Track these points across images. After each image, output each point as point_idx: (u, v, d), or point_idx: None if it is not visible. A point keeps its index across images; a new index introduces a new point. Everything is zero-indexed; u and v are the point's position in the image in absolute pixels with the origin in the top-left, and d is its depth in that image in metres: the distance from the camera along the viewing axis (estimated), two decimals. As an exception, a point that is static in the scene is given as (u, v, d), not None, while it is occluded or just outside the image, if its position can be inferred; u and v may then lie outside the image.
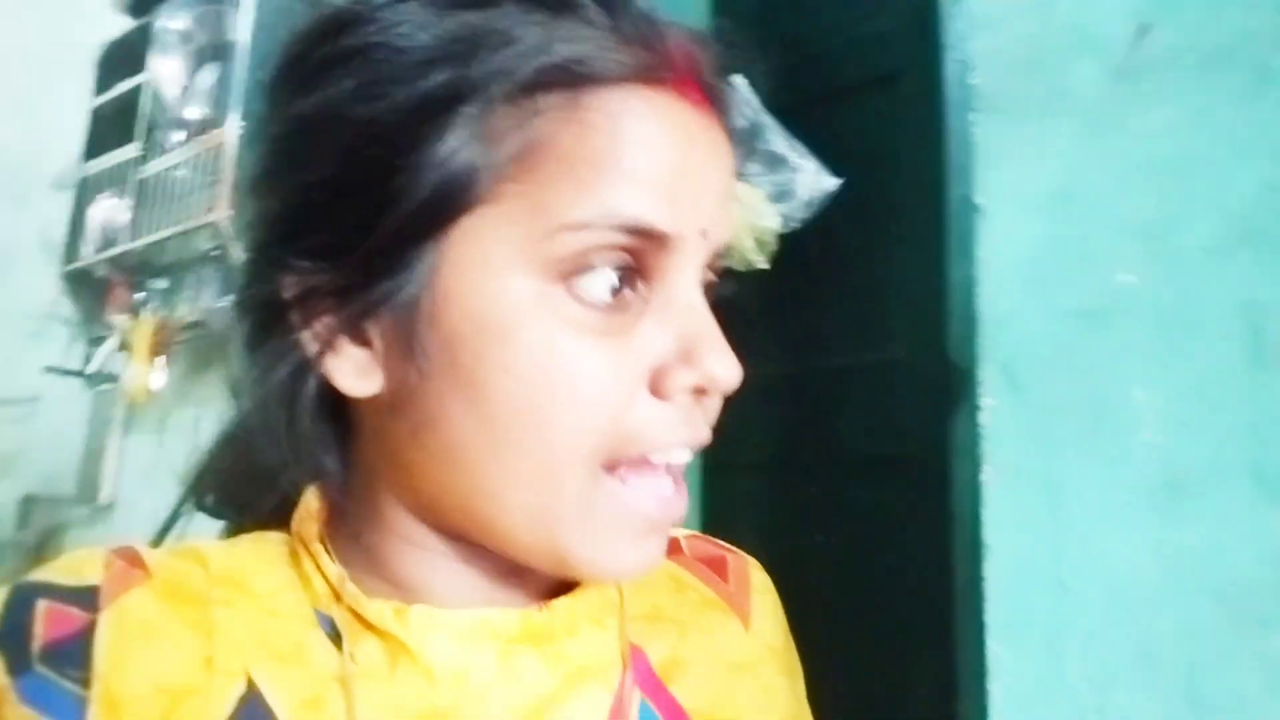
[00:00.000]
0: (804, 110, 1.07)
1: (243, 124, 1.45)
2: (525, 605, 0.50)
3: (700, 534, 0.65)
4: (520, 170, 0.43)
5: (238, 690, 0.44)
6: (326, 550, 0.49)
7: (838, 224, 1.08)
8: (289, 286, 0.45)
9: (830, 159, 1.07)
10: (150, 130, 1.63)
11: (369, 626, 0.47)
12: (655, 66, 0.45)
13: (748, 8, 1.24)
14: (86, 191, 1.79)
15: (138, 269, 1.72)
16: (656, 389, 0.44)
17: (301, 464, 0.48)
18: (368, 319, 0.45)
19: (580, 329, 0.43)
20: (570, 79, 0.43)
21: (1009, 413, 0.92)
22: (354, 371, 0.46)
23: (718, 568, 0.62)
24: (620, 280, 0.43)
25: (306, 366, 0.46)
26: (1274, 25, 0.79)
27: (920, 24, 1.08)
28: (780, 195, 0.94)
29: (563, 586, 0.51)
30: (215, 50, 1.52)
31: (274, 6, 1.51)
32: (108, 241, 1.72)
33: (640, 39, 0.45)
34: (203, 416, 1.96)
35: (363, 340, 0.45)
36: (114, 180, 1.72)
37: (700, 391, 0.44)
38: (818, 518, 1.15)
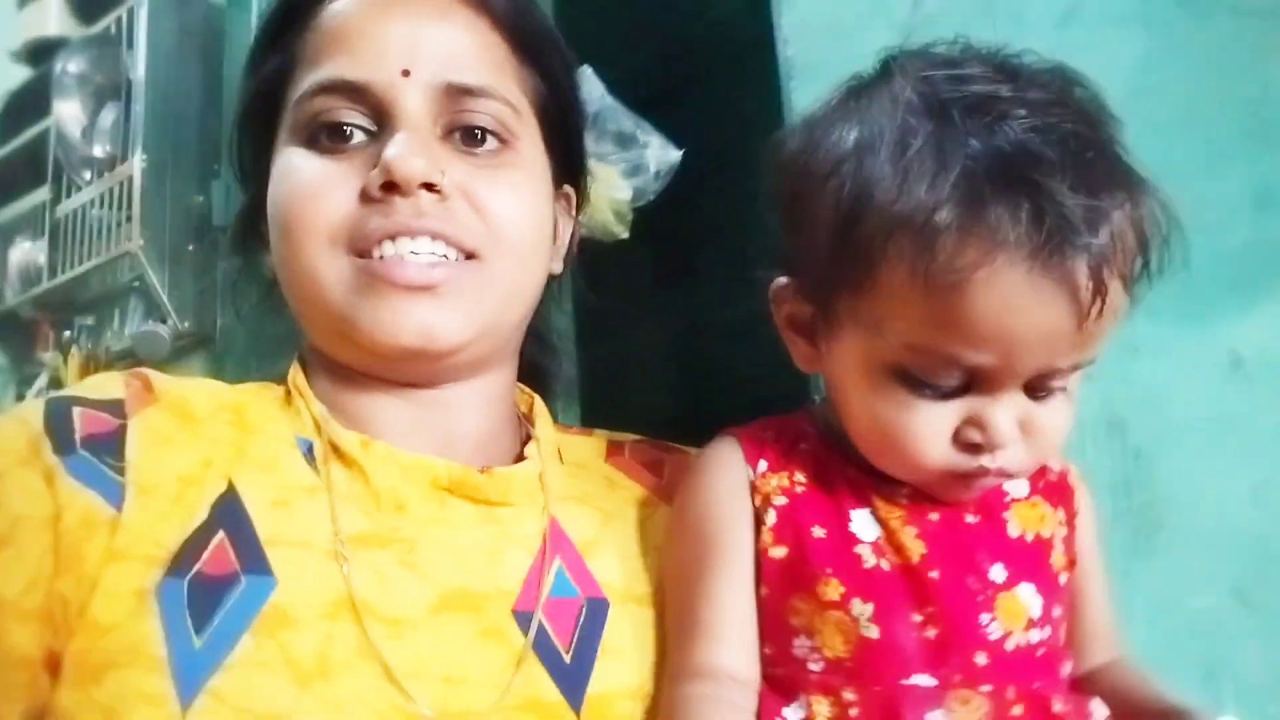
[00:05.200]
0: (673, 94, 1.16)
1: (144, 157, 1.51)
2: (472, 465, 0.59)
3: (649, 440, 0.70)
4: (291, 79, 0.61)
5: (218, 488, 0.54)
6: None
7: (699, 194, 1.18)
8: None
9: (694, 137, 1.16)
10: (59, 172, 1.69)
11: (339, 454, 0.57)
12: None
13: (604, 5, 1.33)
14: (2, 237, 1.84)
15: (61, 307, 1.77)
16: (362, 194, 0.57)
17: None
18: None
19: (318, 166, 0.58)
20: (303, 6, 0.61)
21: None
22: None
23: (655, 468, 0.67)
24: (350, 128, 0.58)
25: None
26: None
27: (754, 3, 1.18)
28: (634, 170, 1.03)
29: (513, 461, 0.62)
30: (114, 89, 1.58)
31: (166, 44, 1.57)
32: (28, 283, 1.77)
33: None
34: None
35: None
36: (28, 223, 1.77)
37: (388, 186, 0.55)
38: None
